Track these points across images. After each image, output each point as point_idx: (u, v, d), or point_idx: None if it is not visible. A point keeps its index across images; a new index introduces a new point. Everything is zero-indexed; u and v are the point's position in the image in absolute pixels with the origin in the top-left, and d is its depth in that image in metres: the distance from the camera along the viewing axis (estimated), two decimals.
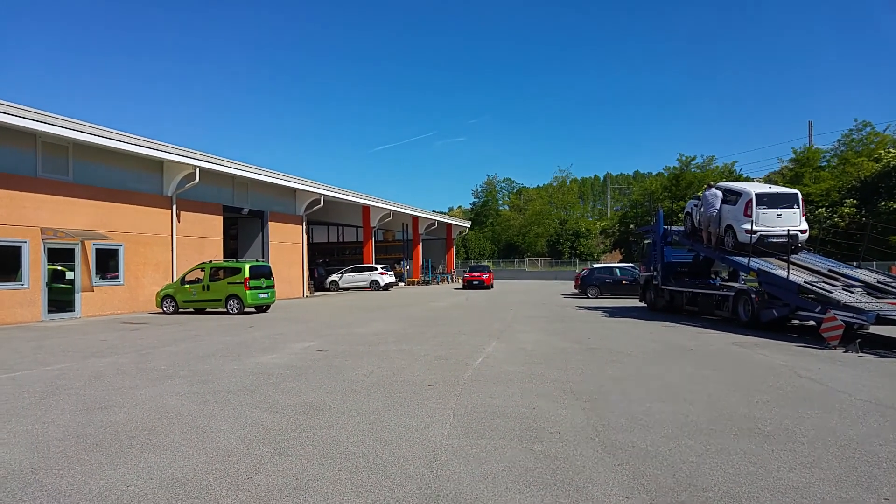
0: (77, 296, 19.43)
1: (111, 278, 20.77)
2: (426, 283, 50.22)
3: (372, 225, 41.57)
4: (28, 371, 9.43)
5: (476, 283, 40.94)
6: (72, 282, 19.35)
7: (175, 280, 22.10)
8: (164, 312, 20.83)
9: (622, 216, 75.02)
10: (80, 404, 7.07)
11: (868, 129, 49.23)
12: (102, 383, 8.36)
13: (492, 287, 40.93)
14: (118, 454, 5.16)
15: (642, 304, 22.84)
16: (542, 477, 4.59)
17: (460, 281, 45.37)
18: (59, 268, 19.05)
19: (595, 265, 36.87)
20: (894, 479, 4.54)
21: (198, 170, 23.15)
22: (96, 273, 20.10)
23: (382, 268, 39.59)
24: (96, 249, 20.06)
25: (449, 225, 59.08)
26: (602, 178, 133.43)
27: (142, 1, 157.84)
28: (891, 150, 42.94)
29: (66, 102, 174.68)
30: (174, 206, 23.19)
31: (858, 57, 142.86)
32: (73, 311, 19.26)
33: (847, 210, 41.10)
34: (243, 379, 8.60)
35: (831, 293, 12.98)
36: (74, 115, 18.74)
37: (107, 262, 20.65)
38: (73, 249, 19.27)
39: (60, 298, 19.00)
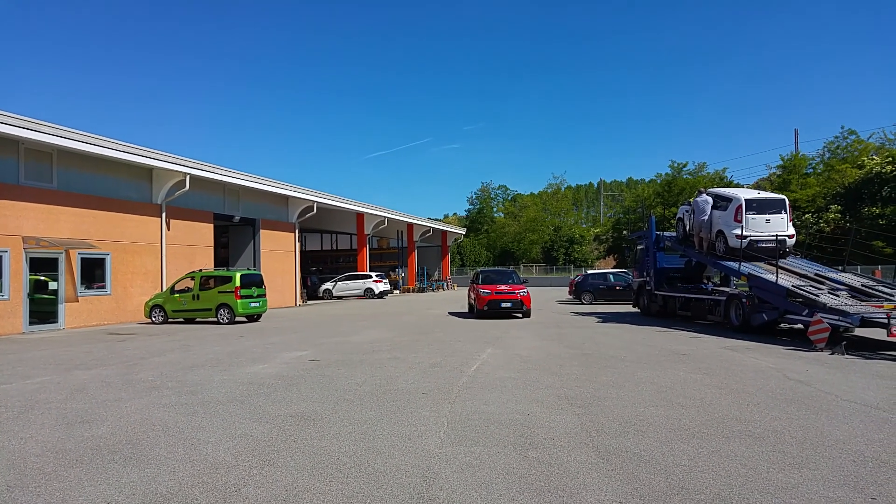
0: (61, 307, 19.05)
1: (97, 288, 20.46)
2: (422, 290, 49.87)
3: (366, 232, 41.02)
4: (6, 385, 9.14)
5: (508, 305, 20.69)
6: (55, 292, 18.97)
7: (164, 289, 21.85)
8: (153, 322, 20.61)
9: (615, 222, 75.53)
10: (60, 418, 6.87)
11: (853, 136, 49.92)
12: (85, 396, 8.16)
13: (530, 315, 21.17)
14: (99, 469, 5.01)
15: (636, 310, 22.90)
16: (536, 484, 4.54)
17: (467, 301, 24.00)
18: (42, 278, 18.69)
19: (589, 271, 36.54)
20: (880, 478, 4.59)
21: (188, 177, 22.97)
22: (82, 283, 19.78)
23: (377, 276, 39.16)
24: (82, 259, 19.76)
25: (444, 232, 59.05)
26: (595, 185, 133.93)
27: (130, 4, 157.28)
28: (874, 157, 43.58)
29: (53, 109, 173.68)
30: (164, 215, 22.99)
31: (845, 67, 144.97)
32: (56, 322, 18.89)
33: (832, 215, 41.79)
34: (233, 389, 8.47)
35: (818, 297, 13.18)
36: (62, 121, 18.42)
37: (93, 272, 20.34)
38: (56, 259, 18.92)
39: (43, 310, 18.62)
